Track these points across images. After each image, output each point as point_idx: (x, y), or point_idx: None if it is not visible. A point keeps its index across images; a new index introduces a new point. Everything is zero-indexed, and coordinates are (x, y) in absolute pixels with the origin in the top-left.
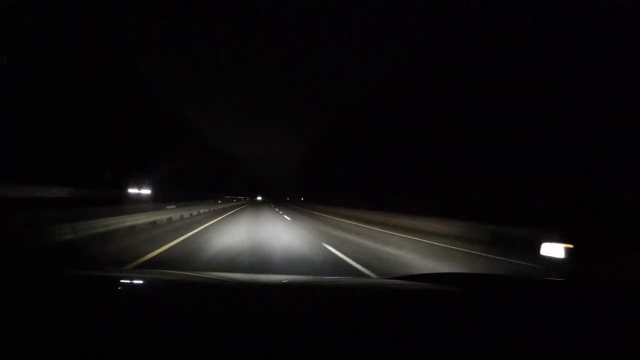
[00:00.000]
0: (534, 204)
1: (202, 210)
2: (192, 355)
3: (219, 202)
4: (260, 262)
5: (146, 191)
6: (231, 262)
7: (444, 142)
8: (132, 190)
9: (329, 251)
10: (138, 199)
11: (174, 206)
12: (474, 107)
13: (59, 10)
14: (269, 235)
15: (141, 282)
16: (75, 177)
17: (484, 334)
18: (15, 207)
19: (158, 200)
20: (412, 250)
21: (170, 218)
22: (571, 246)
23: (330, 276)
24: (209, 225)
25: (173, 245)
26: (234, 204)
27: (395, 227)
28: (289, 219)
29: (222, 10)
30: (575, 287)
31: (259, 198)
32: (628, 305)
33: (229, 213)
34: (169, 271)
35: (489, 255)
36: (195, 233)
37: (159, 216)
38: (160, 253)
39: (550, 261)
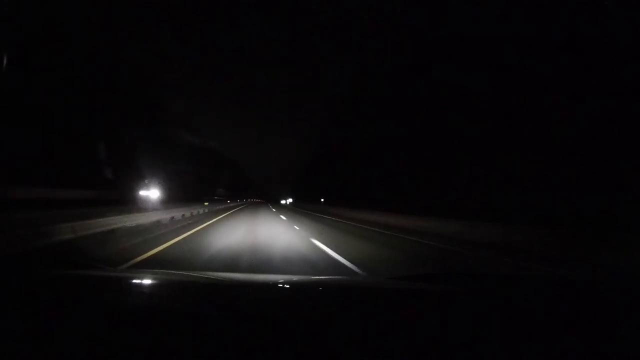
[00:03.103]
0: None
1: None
2: (192, 355)
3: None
4: None
5: (154, 194)
6: None
7: (447, 142)
8: (142, 193)
9: None
10: (148, 201)
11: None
12: (478, 106)
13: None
14: None
15: (141, 282)
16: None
17: (483, 333)
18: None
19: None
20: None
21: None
22: None
23: (330, 276)
24: None
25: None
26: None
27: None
28: None
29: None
30: (575, 286)
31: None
32: (627, 304)
33: None
34: (168, 271)
35: None
36: None
37: None
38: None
39: None
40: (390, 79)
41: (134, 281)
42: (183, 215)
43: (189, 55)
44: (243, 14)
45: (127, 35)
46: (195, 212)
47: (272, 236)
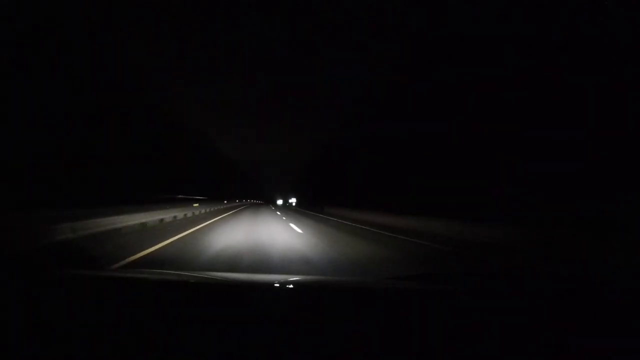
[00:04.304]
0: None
1: None
2: (193, 355)
3: None
4: None
5: None
6: None
7: (449, 146)
8: None
9: None
10: None
11: None
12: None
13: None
14: None
15: (141, 282)
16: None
17: (484, 333)
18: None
19: None
20: None
21: None
22: None
23: (330, 276)
24: None
25: None
26: None
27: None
28: None
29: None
30: (575, 285)
31: None
32: (627, 304)
33: None
34: (169, 271)
35: None
36: None
37: None
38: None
39: None
40: (391, 79)
41: (134, 281)
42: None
43: (188, 54)
44: (243, 14)
45: (127, 35)
46: (181, 214)
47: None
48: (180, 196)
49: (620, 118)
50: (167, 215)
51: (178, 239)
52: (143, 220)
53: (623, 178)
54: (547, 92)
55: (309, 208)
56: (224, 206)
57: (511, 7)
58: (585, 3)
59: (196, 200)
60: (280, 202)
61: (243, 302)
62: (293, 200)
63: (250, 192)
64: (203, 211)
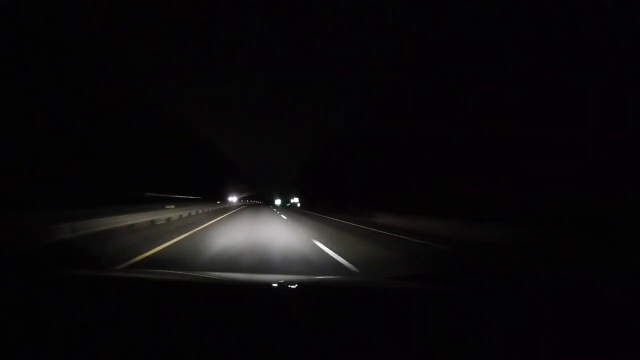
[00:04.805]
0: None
1: None
2: (192, 354)
3: None
4: None
5: None
6: None
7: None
8: None
9: None
10: None
11: None
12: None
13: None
14: None
15: (142, 282)
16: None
17: (483, 333)
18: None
19: None
20: None
21: None
22: None
23: (330, 276)
24: None
25: None
26: None
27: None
28: None
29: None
30: (575, 286)
31: None
32: (627, 304)
33: None
34: (169, 271)
35: None
36: None
37: None
38: None
39: None
40: (391, 79)
41: (134, 281)
42: None
43: (188, 54)
44: (243, 14)
45: (127, 35)
46: (185, 213)
47: None
48: (180, 196)
49: (620, 118)
50: (173, 214)
51: (180, 239)
52: (145, 220)
53: (623, 178)
54: (547, 92)
55: (310, 209)
56: (222, 207)
57: (511, 7)
58: (585, 3)
59: (195, 200)
60: (278, 202)
61: (243, 302)
62: (296, 200)
63: (250, 192)
64: (200, 211)
